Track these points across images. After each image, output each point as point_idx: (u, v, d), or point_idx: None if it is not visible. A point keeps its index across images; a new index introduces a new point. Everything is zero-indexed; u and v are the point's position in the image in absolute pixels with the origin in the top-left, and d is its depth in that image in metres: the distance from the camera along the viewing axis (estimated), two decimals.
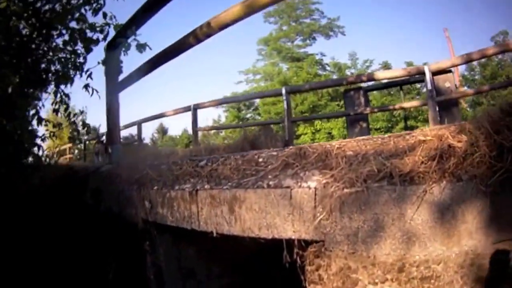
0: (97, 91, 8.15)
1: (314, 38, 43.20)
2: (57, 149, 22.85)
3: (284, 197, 4.12)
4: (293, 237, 4.06)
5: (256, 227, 4.36)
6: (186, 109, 13.55)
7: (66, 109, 8.23)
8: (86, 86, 8.24)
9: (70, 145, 21.05)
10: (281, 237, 4.16)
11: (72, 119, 8.20)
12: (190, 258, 6.81)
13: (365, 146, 4.39)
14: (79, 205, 8.86)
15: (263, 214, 4.29)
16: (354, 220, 3.65)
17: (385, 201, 3.50)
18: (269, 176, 4.57)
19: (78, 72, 8.60)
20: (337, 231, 3.80)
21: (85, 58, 8.33)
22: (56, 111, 8.55)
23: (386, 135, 4.44)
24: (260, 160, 5.21)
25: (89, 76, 8.44)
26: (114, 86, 8.64)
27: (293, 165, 4.57)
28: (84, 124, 8.24)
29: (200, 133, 14.14)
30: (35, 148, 9.08)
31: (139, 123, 14.50)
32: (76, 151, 21.73)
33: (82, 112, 8.42)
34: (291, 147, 5.03)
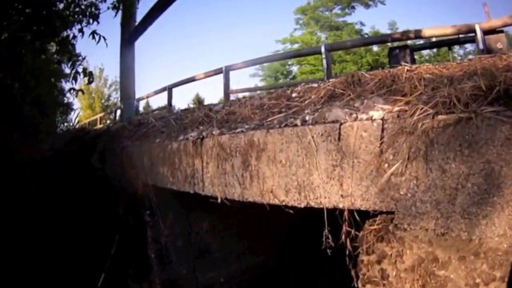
0: (104, 38, 6.60)
1: (353, 7, 40.34)
2: (89, 119, 21.92)
3: (328, 138, 2.42)
4: (340, 206, 2.36)
5: (282, 189, 2.68)
6: (217, 71, 11.86)
7: (70, 58, 6.74)
8: (93, 33, 6.67)
9: (101, 115, 19.90)
10: (321, 206, 2.47)
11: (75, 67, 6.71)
12: (204, 233, 5.21)
13: (446, 70, 2.68)
14: (86, 169, 7.44)
15: (293, 169, 2.61)
16: (450, 173, 1.90)
17: (504, 139, 1.71)
18: (306, 111, 2.88)
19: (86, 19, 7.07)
20: (419, 195, 2.10)
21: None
22: (59, 62, 7.12)
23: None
24: (294, 95, 3.53)
25: (96, 19, 6.88)
26: (129, 33, 7.06)
27: (343, 95, 2.86)
28: (85, 72, 6.76)
29: (232, 97, 12.52)
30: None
31: (169, 88, 12.86)
32: (108, 121, 20.78)
33: (84, 59, 6.97)
34: (339, 75, 3.23)
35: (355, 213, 2.33)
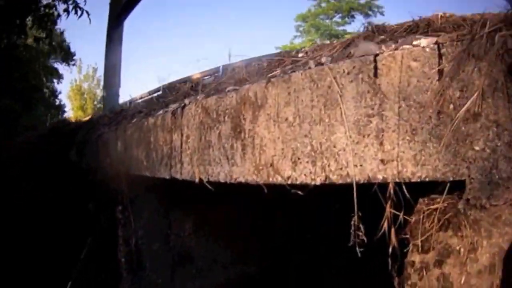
0: (87, 13, 5.76)
1: (353, 16, 40.25)
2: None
3: (358, 77, 1.59)
4: (379, 177, 1.47)
5: (287, 159, 1.81)
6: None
7: (48, 35, 5.92)
8: (76, 7, 5.84)
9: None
10: (347, 180, 1.58)
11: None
12: (186, 236, 4.30)
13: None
14: (63, 164, 6.51)
15: (304, 128, 1.75)
16: None
17: None
18: (322, 56, 2.00)
19: None
20: (502, 150, 1.21)
21: None
22: (37, 39, 6.31)
23: None
24: (301, 54, 2.68)
25: None
26: (116, 12, 6.25)
27: (368, 37, 2.00)
28: (62, 48, 5.94)
29: None
30: None
31: (163, 89, 11.80)
32: None
33: (62, 33, 6.18)
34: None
35: (404, 188, 1.45)
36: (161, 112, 3.21)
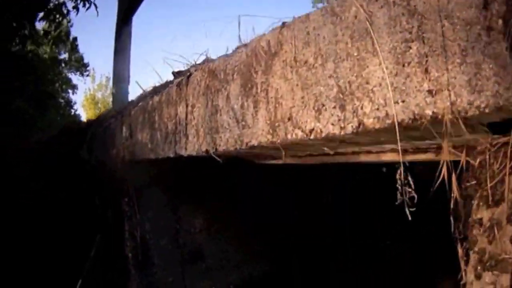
0: (95, 5, 5.57)
1: None
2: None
3: (387, 2, 1.20)
4: (429, 112, 1.10)
5: (309, 109, 1.48)
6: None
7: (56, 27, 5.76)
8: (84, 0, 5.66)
9: None
10: (387, 121, 1.21)
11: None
12: (196, 233, 3.98)
13: None
14: (75, 163, 6.28)
15: (328, 68, 1.43)
16: None
17: None
18: None
19: None
20: None
21: None
22: (46, 33, 6.16)
23: None
24: None
25: None
26: (124, 8, 6.05)
27: None
28: (76, 59, 5.77)
29: None
30: None
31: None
32: None
33: (69, 22, 6.03)
34: None
35: (460, 122, 1.10)
36: (166, 89, 2.92)
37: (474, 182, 1.14)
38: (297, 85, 1.55)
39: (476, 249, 1.14)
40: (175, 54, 4.63)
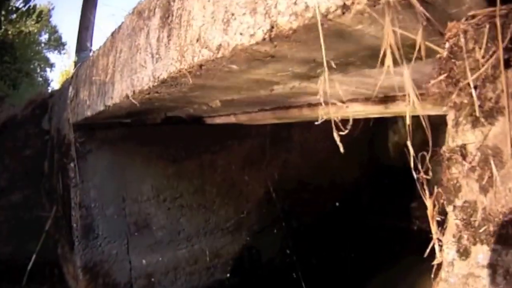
0: None
1: None
2: None
3: None
4: None
5: (219, 23, 1.22)
6: None
7: None
8: None
9: None
10: (308, 18, 0.93)
11: None
12: (144, 201, 3.70)
13: None
14: (37, 133, 5.91)
15: None
16: None
17: None
18: None
19: None
20: None
21: None
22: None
23: None
24: None
25: None
26: None
27: None
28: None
29: None
30: None
31: None
32: None
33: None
34: None
35: None
36: (104, 41, 2.62)
37: (446, 83, 0.83)
38: (208, 0, 1.28)
39: (458, 203, 0.82)
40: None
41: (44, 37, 15.57)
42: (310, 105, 2.88)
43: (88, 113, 2.69)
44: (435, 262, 0.89)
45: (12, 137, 6.17)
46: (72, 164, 3.48)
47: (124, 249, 3.62)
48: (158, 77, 1.53)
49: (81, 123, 3.17)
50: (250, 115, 3.35)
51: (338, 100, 2.48)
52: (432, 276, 0.91)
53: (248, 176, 4.49)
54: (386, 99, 2.38)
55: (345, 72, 1.54)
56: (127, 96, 1.86)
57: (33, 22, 6.93)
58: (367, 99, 2.46)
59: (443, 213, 0.89)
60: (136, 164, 3.62)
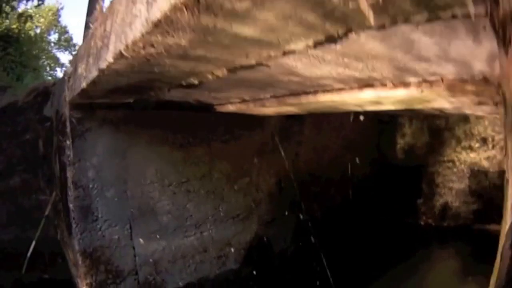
0: None
1: None
2: None
3: None
4: None
5: None
6: None
7: None
8: None
9: None
10: None
11: None
12: (147, 184, 3.50)
13: None
14: (39, 120, 5.78)
15: None
16: None
17: None
18: None
19: None
20: None
21: None
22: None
23: None
24: None
25: None
26: None
27: None
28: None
29: None
30: None
31: None
32: None
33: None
34: None
35: None
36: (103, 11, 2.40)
37: None
38: None
39: None
40: None
41: (54, 37, 15.64)
42: (325, 91, 2.67)
43: (84, 84, 2.48)
44: None
45: (12, 122, 6.07)
46: (68, 142, 3.28)
47: (126, 234, 3.43)
48: (152, 21, 1.30)
49: (79, 101, 2.98)
50: (262, 102, 3.15)
51: (355, 80, 2.29)
52: None
53: (259, 166, 4.29)
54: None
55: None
56: (120, 54, 1.63)
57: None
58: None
59: None
60: (139, 146, 3.41)
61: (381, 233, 4.60)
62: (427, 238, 4.75)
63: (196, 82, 2.22)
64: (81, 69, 2.71)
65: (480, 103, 2.33)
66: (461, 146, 5.44)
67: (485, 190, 5.23)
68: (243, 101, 3.26)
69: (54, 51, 15.97)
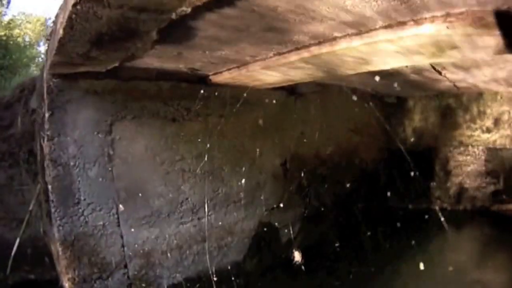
0: None
1: None
2: None
3: None
4: None
5: None
6: None
7: None
8: None
9: None
10: None
11: None
12: (136, 162, 3.12)
13: None
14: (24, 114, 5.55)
15: None
16: None
17: None
18: None
19: None
20: None
21: None
22: None
23: None
24: None
25: None
26: None
27: None
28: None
29: None
30: None
31: None
32: None
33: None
34: None
35: None
36: None
37: None
38: None
39: None
40: None
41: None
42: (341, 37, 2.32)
43: (60, 32, 2.12)
44: None
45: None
46: (47, 114, 2.90)
47: (113, 220, 3.03)
48: None
49: (58, 61, 2.60)
50: (265, 63, 2.80)
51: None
52: None
53: (262, 145, 3.90)
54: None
55: None
56: None
57: None
58: None
59: None
60: (127, 120, 3.03)
61: (393, 220, 4.25)
62: (442, 223, 4.45)
63: (188, 10, 1.86)
64: (58, 24, 2.36)
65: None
66: (475, 125, 5.12)
67: (503, 170, 4.94)
68: (243, 65, 2.91)
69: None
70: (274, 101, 3.89)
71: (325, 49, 2.43)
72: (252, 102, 3.78)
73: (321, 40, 2.38)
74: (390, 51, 2.38)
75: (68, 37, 2.16)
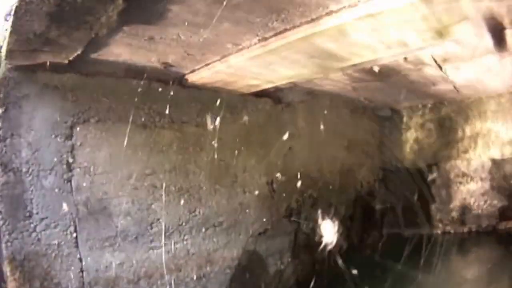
0: None
1: None
2: None
3: None
4: None
5: None
6: None
7: None
8: None
9: None
10: None
11: None
12: (99, 173, 2.82)
13: None
14: None
15: None
16: None
17: None
18: None
19: None
20: None
21: None
22: None
23: None
24: None
25: None
26: None
27: None
28: None
29: None
30: None
31: None
32: None
33: None
34: None
35: None
36: None
37: None
38: None
39: None
40: None
41: None
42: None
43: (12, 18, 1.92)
44: None
45: None
46: (0, 110, 2.63)
47: (70, 239, 2.68)
48: None
49: (18, 62, 2.40)
50: (249, 52, 2.60)
51: None
52: None
53: (245, 161, 3.62)
54: None
55: None
56: None
57: None
58: None
59: None
60: (89, 123, 2.78)
61: (393, 247, 3.90)
62: (446, 247, 4.10)
63: None
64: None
65: None
66: (477, 136, 4.78)
67: (509, 184, 4.61)
68: (224, 56, 2.70)
69: None
70: (259, 110, 3.66)
71: (318, 27, 2.21)
72: (234, 111, 3.54)
73: (314, 17, 2.17)
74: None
75: (24, 4, 1.96)
